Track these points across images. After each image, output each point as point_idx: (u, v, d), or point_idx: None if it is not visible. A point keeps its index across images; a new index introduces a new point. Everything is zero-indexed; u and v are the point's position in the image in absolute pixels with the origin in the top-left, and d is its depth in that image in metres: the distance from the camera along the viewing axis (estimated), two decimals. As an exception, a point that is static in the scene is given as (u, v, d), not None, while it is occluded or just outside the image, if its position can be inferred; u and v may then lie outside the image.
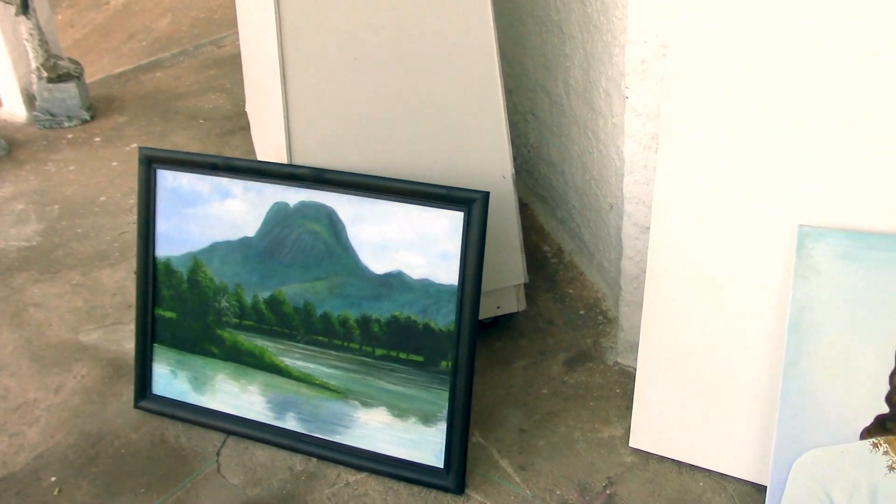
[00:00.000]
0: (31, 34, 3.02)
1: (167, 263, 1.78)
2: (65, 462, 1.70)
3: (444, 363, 1.59)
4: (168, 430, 1.77)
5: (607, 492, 1.58)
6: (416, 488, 1.61)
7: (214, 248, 1.75)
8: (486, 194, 1.56)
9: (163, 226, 1.78)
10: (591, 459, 1.64)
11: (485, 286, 1.77)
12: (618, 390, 1.80)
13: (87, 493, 1.63)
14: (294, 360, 1.71)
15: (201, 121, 3.14)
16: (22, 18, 2.99)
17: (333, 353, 1.67)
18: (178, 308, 1.79)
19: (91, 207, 2.60)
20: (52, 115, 3.11)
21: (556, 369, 1.88)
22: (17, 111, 3.19)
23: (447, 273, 1.58)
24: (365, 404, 1.66)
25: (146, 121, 3.15)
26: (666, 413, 1.60)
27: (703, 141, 1.45)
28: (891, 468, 1.34)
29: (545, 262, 2.26)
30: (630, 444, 1.65)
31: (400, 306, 1.62)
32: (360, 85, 1.69)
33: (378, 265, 1.63)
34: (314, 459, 1.68)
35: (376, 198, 1.62)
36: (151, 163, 1.77)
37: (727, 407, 1.53)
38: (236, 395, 1.75)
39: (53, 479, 1.66)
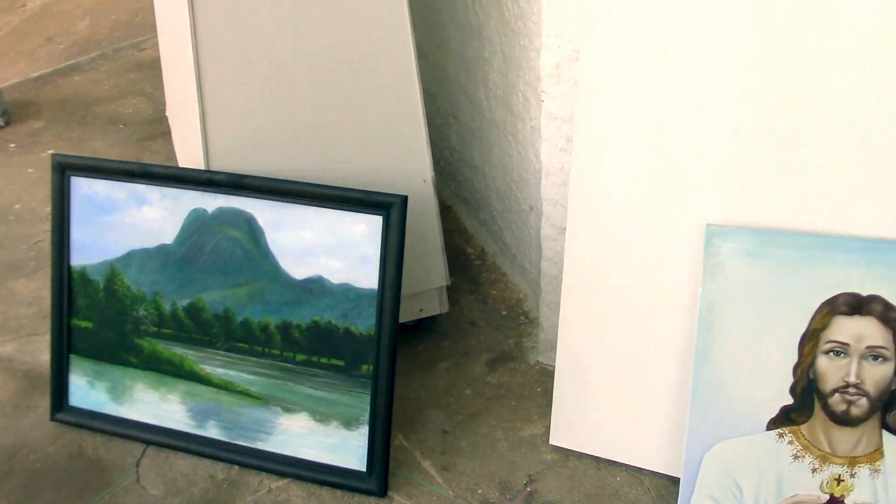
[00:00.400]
0: (-60, 38, 2.93)
1: (83, 272, 1.75)
2: (-23, 478, 1.66)
3: (365, 367, 1.60)
4: (86, 442, 1.74)
5: (528, 489, 1.60)
6: (339, 492, 1.61)
7: (131, 256, 1.72)
8: (405, 198, 1.57)
9: (78, 234, 1.75)
10: (513, 458, 1.67)
11: (407, 289, 1.78)
12: (539, 389, 1.83)
13: (1, 509, 1.59)
14: (214, 367, 1.69)
15: (121, 126, 3.09)
16: (-70, 22, 2.90)
17: (254, 359, 1.67)
18: (94, 317, 1.76)
19: (5, 216, 2.53)
20: (-37, 121, 3.02)
21: (478, 370, 1.90)
22: (-73, 117, 3.10)
23: (367, 277, 1.59)
24: (286, 410, 1.65)
25: (63, 126, 3.08)
26: (584, 410, 1.63)
27: (614, 143, 1.49)
28: (795, 457, 1.39)
29: (468, 264, 2.28)
30: (550, 442, 1.68)
31: (320, 311, 1.62)
32: (278, 89, 1.69)
33: (298, 270, 1.63)
34: (236, 467, 1.67)
35: (295, 203, 1.62)
36: (65, 170, 1.74)
37: (642, 402, 1.57)
38: (156, 405, 1.73)
39: (-35, 495, 1.62)
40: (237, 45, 1.65)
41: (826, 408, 1.38)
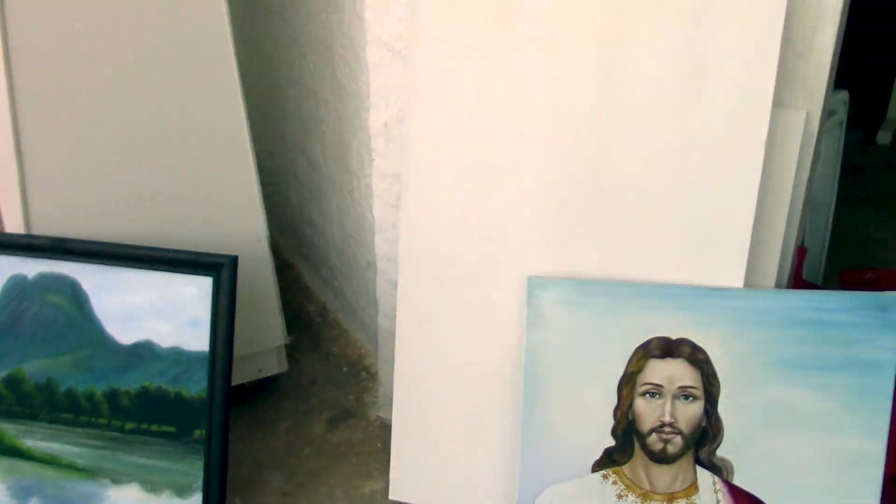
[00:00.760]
0: None
1: None
2: None
3: (198, 432, 1.56)
4: None
5: (368, 547, 1.60)
6: (172, 564, 1.56)
7: (-57, 327, 1.63)
8: (235, 258, 1.56)
9: None
10: (353, 516, 1.67)
11: (244, 349, 1.76)
12: (379, 444, 1.83)
13: None
14: (37, 440, 1.61)
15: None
16: None
17: (80, 430, 1.60)
18: None
19: None
20: None
21: (318, 428, 1.89)
22: None
23: (198, 340, 1.56)
24: (116, 482, 1.59)
25: None
26: (421, 462, 1.65)
27: (439, 200, 1.54)
28: (619, 496, 1.46)
29: (310, 321, 2.27)
30: (390, 497, 1.68)
31: (149, 376, 1.58)
32: (101, 150, 1.65)
33: (125, 335, 1.58)
34: (61, 545, 1.59)
35: (121, 266, 1.58)
36: None
37: (476, 451, 1.60)
38: (-28, 484, 1.63)
39: None
40: (58, 105, 1.61)
41: (645, 447, 1.46)
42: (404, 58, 1.60)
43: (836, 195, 2.16)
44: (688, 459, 1.45)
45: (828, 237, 2.20)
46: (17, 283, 1.61)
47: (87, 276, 1.59)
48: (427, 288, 1.58)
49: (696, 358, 1.44)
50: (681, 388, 1.44)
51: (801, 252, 1.61)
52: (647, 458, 1.46)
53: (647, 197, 1.44)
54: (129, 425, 1.58)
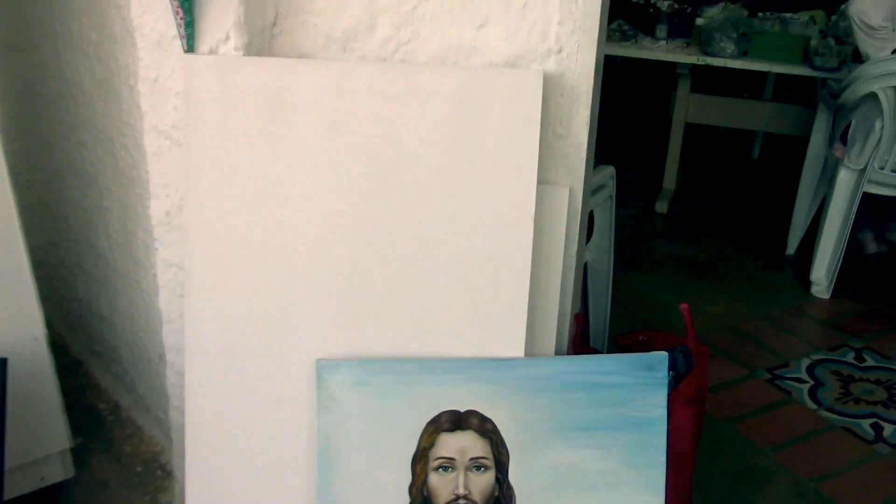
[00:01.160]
0: None
1: None
2: None
3: (-37, 553, 1.44)
4: None
5: None
6: None
7: None
8: (3, 360, 1.47)
9: None
10: None
11: (23, 457, 1.66)
12: (175, 546, 1.75)
13: None
14: None
15: None
16: None
17: None
18: None
19: None
20: None
21: (108, 535, 1.78)
22: None
23: (-38, 451, 1.45)
24: None
25: None
26: (218, 562, 1.59)
27: (222, 289, 1.51)
28: (419, 575, 1.46)
29: (101, 420, 2.15)
30: None
31: None
32: None
33: None
34: None
35: None
36: None
37: (274, 544, 1.56)
38: None
39: None
40: None
41: (440, 522, 1.47)
42: (182, 145, 1.59)
43: (612, 263, 2.30)
44: (483, 530, 1.47)
45: (609, 303, 2.33)
46: None
47: None
48: (215, 378, 1.54)
49: (485, 428, 1.48)
50: (472, 459, 1.48)
51: (578, 319, 1.70)
52: (443, 533, 1.47)
53: (427, 275, 1.48)
54: None
